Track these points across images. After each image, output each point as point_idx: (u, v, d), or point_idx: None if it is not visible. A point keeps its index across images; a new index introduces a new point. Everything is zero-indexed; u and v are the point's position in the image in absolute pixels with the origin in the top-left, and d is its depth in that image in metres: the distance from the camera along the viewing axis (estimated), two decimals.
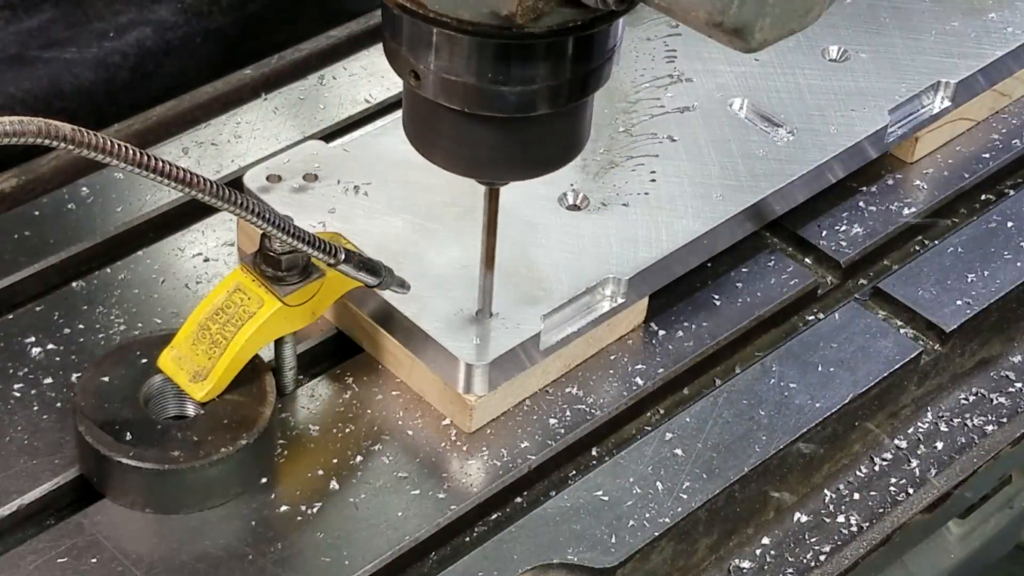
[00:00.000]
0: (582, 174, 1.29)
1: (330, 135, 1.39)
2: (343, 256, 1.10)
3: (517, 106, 0.98)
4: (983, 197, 1.43)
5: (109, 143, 0.93)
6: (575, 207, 1.27)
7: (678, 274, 1.27)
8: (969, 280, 1.31)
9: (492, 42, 0.95)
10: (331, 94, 1.45)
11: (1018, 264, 1.33)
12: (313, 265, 1.13)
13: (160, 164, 0.96)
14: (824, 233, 1.35)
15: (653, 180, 1.30)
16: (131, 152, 0.94)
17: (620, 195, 1.28)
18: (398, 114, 1.40)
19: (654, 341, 1.25)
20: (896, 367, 1.23)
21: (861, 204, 1.38)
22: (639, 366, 1.23)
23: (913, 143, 1.41)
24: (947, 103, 1.40)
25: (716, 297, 1.29)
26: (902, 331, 1.28)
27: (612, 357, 1.24)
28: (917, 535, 1.26)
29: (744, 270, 1.32)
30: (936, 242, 1.37)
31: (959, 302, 1.30)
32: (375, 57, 1.48)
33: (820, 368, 1.23)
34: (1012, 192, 1.43)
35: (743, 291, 1.30)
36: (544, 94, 0.98)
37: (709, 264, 1.30)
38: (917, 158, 1.43)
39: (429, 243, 1.22)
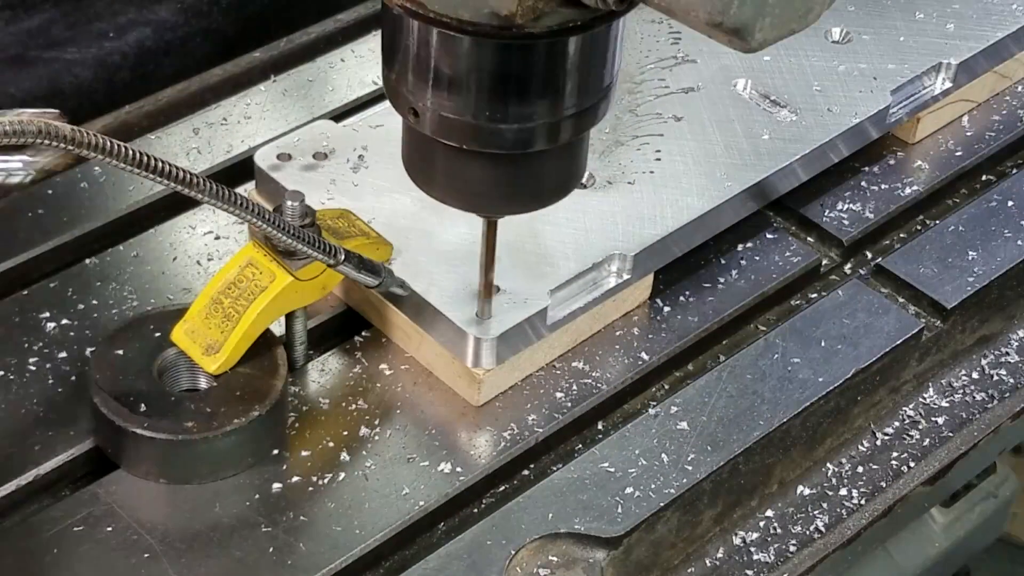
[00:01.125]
0: (589, 153, 1.31)
1: (339, 116, 1.41)
2: (343, 256, 1.12)
3: (514, 143, 1.00)
4: (984, 177, 1.45)
5: (109, 143, 0.94)
6: (581, 185, 1.29)
7: (683, 251, 1.28)
8: (970, 258, 1.33)
9: (488, 77, 0.96)
10: (340, 76, 1.47)
11: (1018, 243, 1.35)
12: (324, 240, 1.15)
13: (160, 164, 0.97)
14: (827, 212, 1.37)
15: (658, 159, 1.32)
16: (131, 152, 0.95)
17: (625, 173, 1.30)
18: None
19: (659, 317, 1.27)
20: (898, 343, 1.25)
21: (863, 184, 1.40)
22: (645, 342, 1.25)
23: (915, 124, 1.43)
24: (948, 84, 1.42)
25: (720, 274, 1.31)
26: (904, 308, 1.30)
27: (618, 333, 1.26)
28: (918, 509, 1.28)
29: (748, 248, 1.33)
30: (937, 221, 1.38)
31: (960, 280, 1.31)
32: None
33: (823, 344, 1.25)
34: (1015, 171, 1.44)
35: (747, 268, 1.32)
36: (541, 131, 1.00)
37: (713, 242, 1.32)
38: (919, 139, 1.44)
39: (437, 219, 1.24)
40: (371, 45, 1.50)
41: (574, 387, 1.21)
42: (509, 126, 0.98)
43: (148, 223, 1.32)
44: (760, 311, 1.31)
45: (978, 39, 1.44)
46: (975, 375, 1.32)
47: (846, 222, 1.36)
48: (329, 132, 1.32)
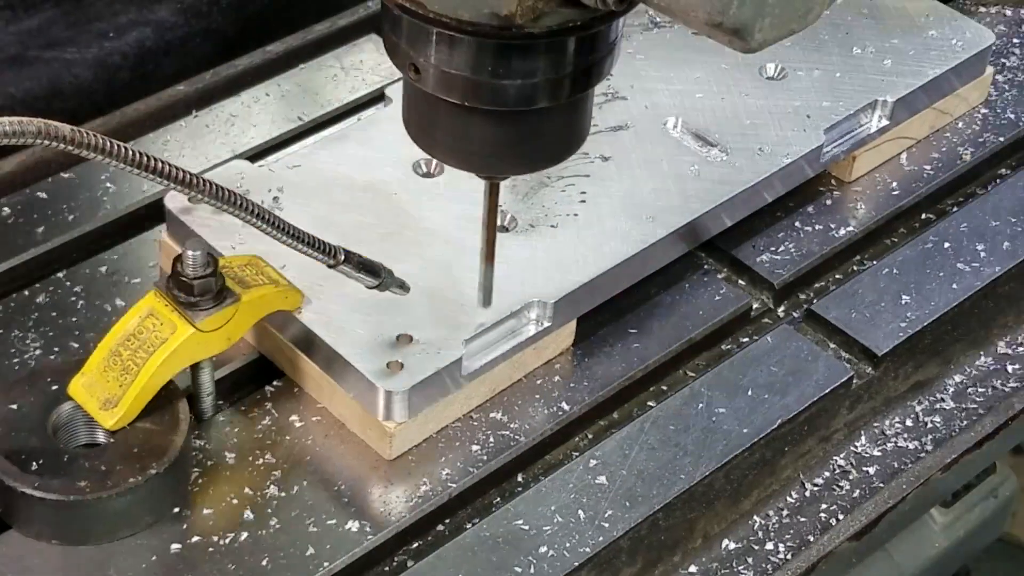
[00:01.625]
0: (511, 195, 1.27)
1: (257, 155, 1.37)
2: (343, 257, 1.10)
3: (517, 100, 0.98)
4: (924, 215, 1.42)
5: (109, 144, 0.93)
6: (503, 228, 1.25)
7: (607, 296, 1.25)
8: (904, 302, 1.30)
9: (491, 47, 0.95)
10: (263, 112, 1.43)
11: (954, 286, 1.31)
12: (228, 290, 1.11)
13: (160, 165, 0.96)
14: (759, 254, 1.34)
15: (583, 201, 1.28)
16: (131, 152, 0.94)
17: (549, 216, 1.27)
18: (322, 134, 1.40)
19: (582, 365, 1.24)
20: (827, 391, 1.22)
21: (798, 224, 1.37)
22: (566, 391, 1.21)
23: (851, 162, 1.40)
24: (885, 122, 1.39)
25: (647, 319, 1.27)
26: (834, 354, 1.27)
27: (539, 382, 1.22)
28: (851, 558, 1.25)
29: (676, 291, 1.30)
30: (873, 262, 1.35)
31: (892, 324, 1.28)
32: (311, 73, 1.47)
33: (750, 392, 1.21)
34: (955, 209, 1.41)
35: (674, 313, 1.28)
36: (544, 88, 0.98)
37: (640, 286, 1.28)
38: (855, 177, 1.41)
39: None
40: (298, 79, 1.46)
41: (491, 439, 1.18)
42: (512, 82, 0.97)
43: (56, 267, 1.28)
44: (689, 357, 1.28)
45: (916, 75, 1.41)
46: (908, 422, 1.29)
47: (778, 264, 1.33)
48: (245, 172, 1.29)
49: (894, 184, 1.41)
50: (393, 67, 1.00)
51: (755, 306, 1.31)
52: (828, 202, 1.39)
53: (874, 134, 1.39)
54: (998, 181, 1.44)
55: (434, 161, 1.28)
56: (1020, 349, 1.35)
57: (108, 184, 1.34)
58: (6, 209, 1.31)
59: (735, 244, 1.34)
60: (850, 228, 1.36)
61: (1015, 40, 1.55)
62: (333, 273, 1.19)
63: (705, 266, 1.33)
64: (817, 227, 1.37)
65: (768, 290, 1.32)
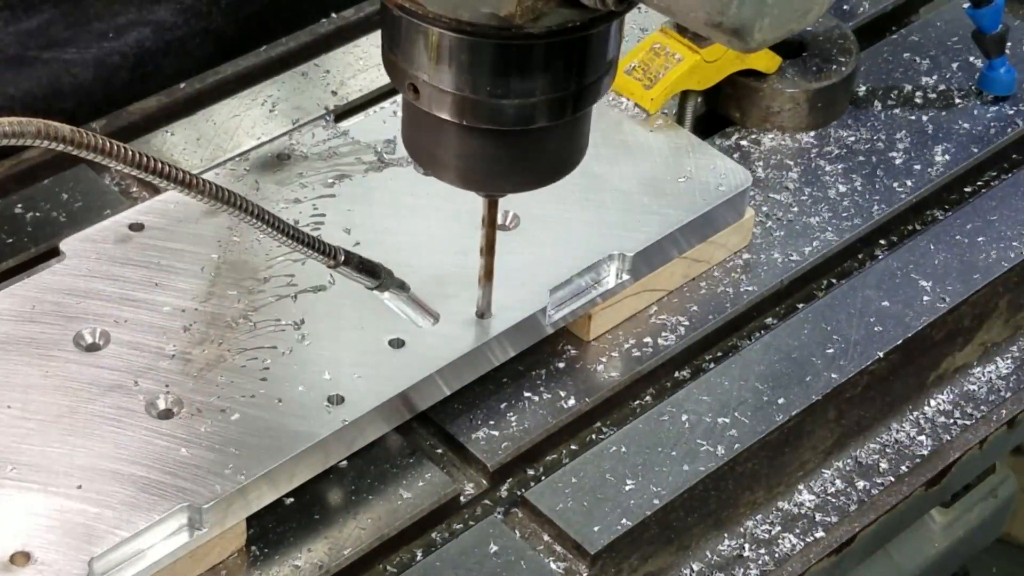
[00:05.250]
0: (180, 374, 1.13)
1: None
2: (343, 257, 1.10)
3: (515, 119, 0.99)
4: (677, 373, 1.28)
5: (108, 144, 0.93)
6: (167, 413, 1.11)
7: (281, 493, 1.11)
8: (627, 489, 1.16)
9: (490, 53, 0.96)
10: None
11: (684, 467, 1.18)
12: None
13: (159, 165, 0.96)
14: (476, 429, 1.20)
15: (265, 378, 1.14)
16: (131, 153, 0.95)
17: (221, 398, 1.12)
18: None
19: (256, 569, 1.09)
20: None
21: (526, 392, 1.23)
22: None
23: (587, 321, 1.26)
24: (625, 276, 1.26)
25: (343, 511, 1.13)
26: (547, 550, 1.13)
27: None
28: None
29: (377, 476, 1.16)
30: (602, 436, 1.22)
31: (613, 514, 1.14)
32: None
33: None
34: (713, 364, 1.28)
35: (373, 502, 1.14)
36: (542, 107, 0.99)
37: (332, 472, 1.14)
38: (595, 336, 1.27)
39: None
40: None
41: None
42: (510, 101, 0.98)
43: None
44: (390, 550, 1.14)
45: (662, 224, 1.28)
46: None
47: (496, 441, 1.19)
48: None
49: (637, 344, 1.28)
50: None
51: (469, 490, 1.18)
52: (561, 365, 1.25)
53: (613, 289, 1.26)
54: (754, 338, 1.31)
55: None
56: (763, 532, 1.22)
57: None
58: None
59: (451, 418, 1.21)
60: (582, 397, 1.23)
61: (791, 174, 1.42)
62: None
63: (413, 444, 1.19)
64: (545, 396, 1.23)
65: (482, 472, 1.18)
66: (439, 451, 1.20)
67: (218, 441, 1.09)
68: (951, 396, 1.32)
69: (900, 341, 1.28)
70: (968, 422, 1.29)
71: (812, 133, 1.45)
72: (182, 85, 1.45)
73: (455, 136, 1.02)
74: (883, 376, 1.27)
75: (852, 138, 1.45)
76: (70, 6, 1.48)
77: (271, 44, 1.50)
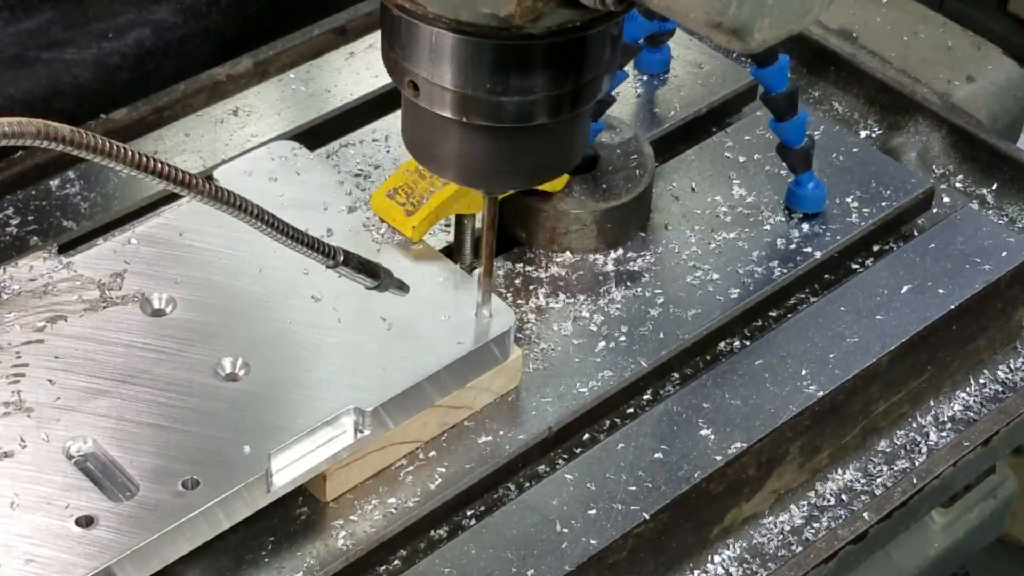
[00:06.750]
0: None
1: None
2: (342, 258, 1.10)
3: (515, 116, 1.00)
4: (427, 536, 1.14)
5: (108, 144, 0.93)
6: None
7: None
8: None
9: (488, 52, 0.98)
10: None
11: None
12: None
13: (159, 166, 0.96)
14: None
15: None
16: (130, 153, 0.94)
17: None
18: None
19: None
20: None
21: (246, 566, 1.08)
22: None
23: (322, 481, 1.12)
24: (365, 432, 1.11)
25: None
26: None
27: None
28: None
29: None
30: None
31: None
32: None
33: None
34: (469, 523, 1.14)
35: None
36: (541, 104, 1.00)
37: None
38: (332, 497, 1.13)
39: None
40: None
41: None
42: (509, 99, 0.99)
43: None
44: None
45: (410, 373, 1.13)
46: None
47: None
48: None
49: (382, 504, 1.13)
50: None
51: None
52: (291, 529, 1.11)
53: (351, 446, 1.11)
54: (531, 483, 1.17)
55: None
56: None
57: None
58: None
59: None
60: (313, 570, 1.09)
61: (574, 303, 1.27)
62: None
63: None
64: (273, 566, 1.09)
65: None
66: None
67: None
68: (737, 551, 1.21)
69: (674, 497, 1.14)
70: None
71: (607, 254, 1.30)
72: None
73: (455, 133, 1.02)
74: (652, 538, 1.15)
75: (646, 260, 1.30)
76: (70, 6, 1.48)
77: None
